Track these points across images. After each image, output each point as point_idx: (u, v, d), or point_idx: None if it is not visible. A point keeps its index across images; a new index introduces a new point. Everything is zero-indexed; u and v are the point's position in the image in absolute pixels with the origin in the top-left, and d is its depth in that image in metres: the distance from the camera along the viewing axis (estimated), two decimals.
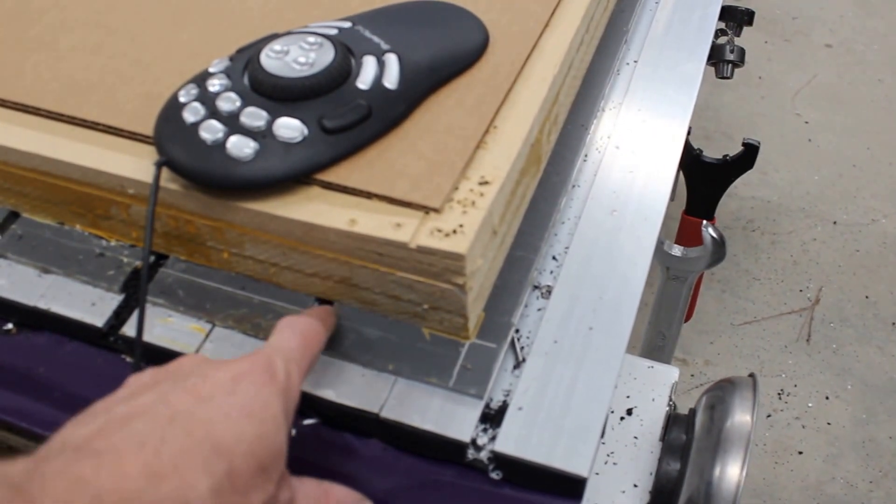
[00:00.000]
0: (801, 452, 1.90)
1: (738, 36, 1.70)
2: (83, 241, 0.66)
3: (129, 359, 0.62)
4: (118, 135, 0.62)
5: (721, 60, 1.61)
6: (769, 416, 1.95)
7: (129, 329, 0.62)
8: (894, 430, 1.94)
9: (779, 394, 2.00)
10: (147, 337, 0.61)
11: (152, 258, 0.65)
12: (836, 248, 2.31)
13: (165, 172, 0.58)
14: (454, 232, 0.54)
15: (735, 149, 1.58)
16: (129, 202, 0.62)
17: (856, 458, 1.89)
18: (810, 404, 1.99)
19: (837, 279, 2.24)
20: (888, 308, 2.17)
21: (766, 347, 2.10)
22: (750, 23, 1.71)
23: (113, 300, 0.63)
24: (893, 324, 2.13)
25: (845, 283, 2.23)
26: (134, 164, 0.61)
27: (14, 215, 0.68)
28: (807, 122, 2.68)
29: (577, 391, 0.58)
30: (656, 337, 1.36)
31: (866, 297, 2.20)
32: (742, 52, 1.63)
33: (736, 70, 1.66)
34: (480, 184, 0.58)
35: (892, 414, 1.96)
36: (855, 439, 1.93)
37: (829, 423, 1.95)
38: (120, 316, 0.63)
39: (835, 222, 2.38)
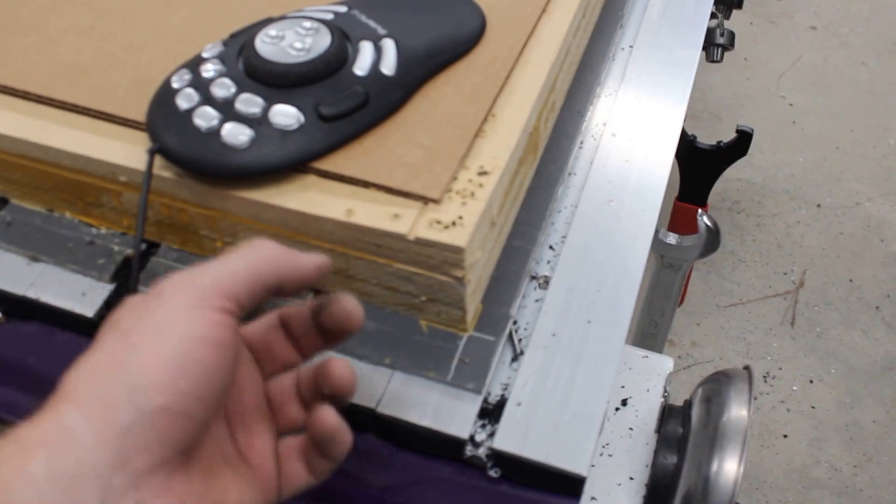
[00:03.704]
0: (785, 436, 1.91)
1: (728, 19, 1.69)
2: (73, 229, 0.65)
3: None
4: (110, 121, 0.61)
5: (711, 44, 1.60)
6: (754, 399, 1.95)
7: None
8: (878, 414, 1.94)
9: (764, 377, 2.01)
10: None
11: (144, 247, 0.64)
12: (820, 231, 2.32)
13: (158, 160, 0.57)
14: (453, 224, 0.54)
15: (723, 129, 1.58)
16: (121, 190, 0.61)
17: (840, 442, 1.90)
18: (795, 388, 1.99)
19: (821, 262, 2.25)
20: (872, 291, 2.17)
21: (752, 330, 2.10)
22: (739, 6, 1.70)
23: (103, 289, 0.62)
24: (877, 307, 2.14)
25: (829, 267, 2.24)
26: (126, 150, 0.60)
27: (3, 202, 0.67)
28: (791, 105, 2.68)
29: (576, 386, 0.57)
30: (649, 325, 1.36)
31: (850, 280, 2.20)
32: (732, 35, 1.62)
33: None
34: (479, 174, 0.57)
35: (876, 398, 1.97)
36: (839, 423, 1.93)
37: (813, 407, 1.96)
38: (110, 306, 0.62)
39: (819, 205, 2.38)
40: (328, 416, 0.47)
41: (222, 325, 0.43)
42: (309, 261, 0.48)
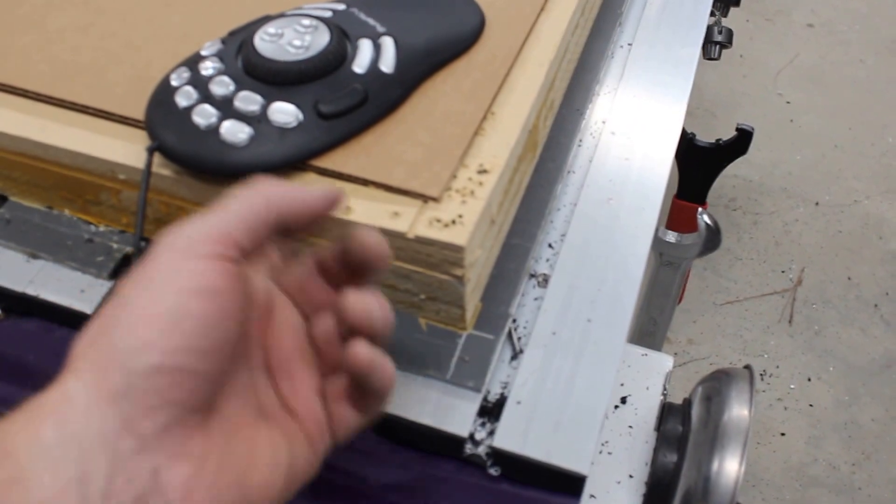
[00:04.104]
0: (783, 434, 1.91)
1: (726, 17, 1.69)
2: (72, 227, 0.65)
3: None
4: (109, 119, 0.61)
5: (709, 42, 1.60)
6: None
7: None
8: (876, 413, 1.95)
9: (761, 375, 2.01)
10: None
11: (143, 244, 0.64)
12: (818, 229, 2.32)
13: (157, 158, 0.57)
14: (453, 222, 0.54)
15: (719, 127, 1.58)
16: (120, 188, 0.61)
17: (838, 440, 1.90)
18: (792, 386, 1.99)
19: (819, 260, 2.25)
20: (870, 289, 2.17)
21: (749, 328, 2.10)
22: (737, 3, 1.70)
23: (102, 287, 0.62)
24: (875, 305, 2.14)
25: (827, 265, 2.24)
26: (125, 148, 0.59)
27: (2, 199, 0.67)
28: (788, 102, 2.68)
29: (576, 385, 0.57)
30: (648, 323, 1.36)
31: (848, 278, 2.20)
32: (730, 33, 1.62)
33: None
34: (479, 172, 0.57)
35: (874, 396, 1.97)
36: (837, 421, 1.93)
37: (811, 405, 1.96)
38: None
39: (817, 203, 2.38)
40: (361, 350, 0.45)
41: (216, 272, 0.42)
42: (314, 192, 0.47)
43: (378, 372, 0.46)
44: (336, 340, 0.48)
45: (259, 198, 0.45)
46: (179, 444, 0.40)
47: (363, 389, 0.47)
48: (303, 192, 0.46)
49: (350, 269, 0.48)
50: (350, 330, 0.47)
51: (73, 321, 0.62)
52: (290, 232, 0.47)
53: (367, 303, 0.46)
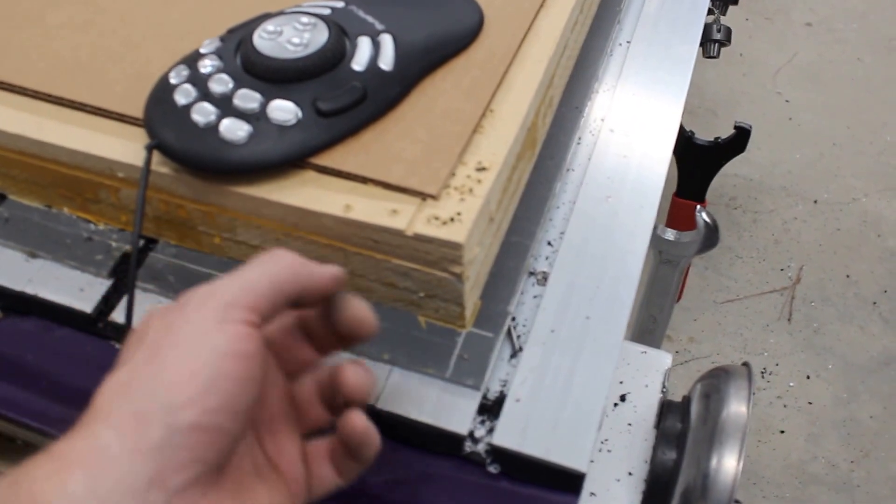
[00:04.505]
0: (782, 431, 1.91)
1: (724, 15, 1.70)
2: (71, 225, 0.65)
3: (118, 345, 0.61)
4: (107, 117, 0.61)
5: (708, 40, 1.60)
6: (753, 395, 1.95)
7: (118, 315, 0.61)
8: (875, 410, 1.95)
9: (761, 373, 2.00)
10: (136, 323, 0.59)
11: (142, 242, 0.64)
12: (817, 227, 2.32)
13: (156, 156, 0.57)
14: (452, 220, 0.54)
15: (719, 126, 1.58)
16: (119, 186, 0.61)
17: (837, 438, 1.90)
18: (792, 383, 1.99)
19: (818, 258, 2.24)
20: (869, 287, 2.17)
21: (749, 326, 2.10)
22: (735, 2, 1.70)
23: (101, 285, 0.62)
24: (874, 303, 2.14)
25: (826, 262, 2.24)
26: (124, 146, 0.59)
27: (1, 197, 0.67)
28: (787, 101, 2.68)
29: (575, 383, 0.57)
30: (647, 320, 1.36)
31: (847, 276, 2.20)
32: (729, 31, 1.62)
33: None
34: (478, 170, 0.57)
35: (873, 393, 1.97)
36: (836, 419, 1.93)
37: (810, 403, 1.96)
38: (109, 302, 0.62)
39: (815, 201, 2.38)
40: (358, 420, 0.47)
41: (248, 338, 0.43)
42: (326, 272, 0.48)
43: (370, 440, 0.48)
44: (316, 401, 0.51)
45: (287, 273, 0.46)
46: (197, 500, 0.41)
47: (349, 455, 0.48)
48: (318, 271, 0.48)
49: (335, 333, 0.50)
50: (335, 394, 0.49)
51: (72, 320, 0.62)
52: (297, 305, 0.48)
53: (363, 377, 0.49)
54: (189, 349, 0.42)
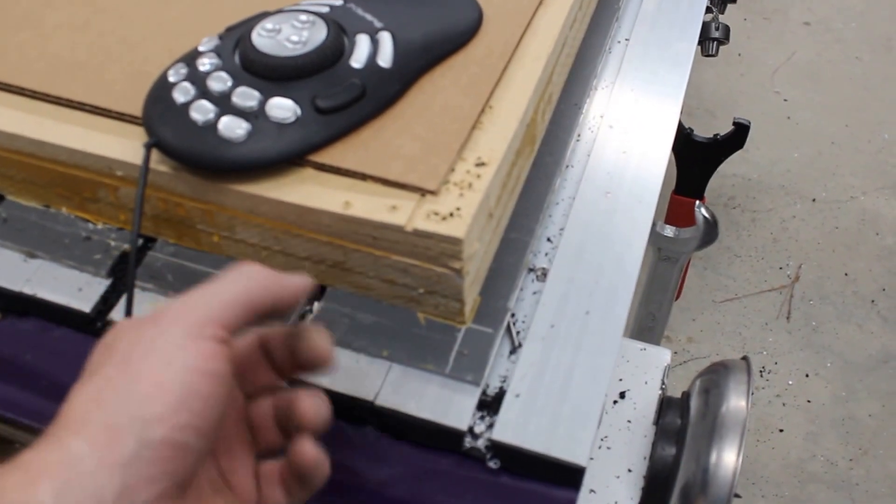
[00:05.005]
0: (781, 430, 1.91)
1: (723, 13, 1.70)
2: (69, 225, 0.65)
3: None
4: (106, 115, 0.61)
5: (707, 38, 1.60)
6: (752, 391, 1.95)
7: (116, 314, 0.61)
8: (874, 408, 1.94)
9: (760, 371, 2.00)
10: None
11: (140, 241, 0.64)
12: (816, 226, 2.32)
13: (155, 154, 0.57)
14: (451, 215, 0.54)
15: (718, 125, 1.58)
16: (118, 184, 0.61)
17: (836, 436, 1.90)
18: (790, 382, 1.99)
19: (817, 257, 2.24)
20: (867, 285, 2.17)
21: (748, 325, 2.10)
22: (734, 0, 1.70)
23: (100, 285, 0.62)
24: (872, 301, 2.14)
25: (825, 261, 2.24)
26: (122, 145, 0.59)
27: None
28: (786, 100, 2.68)
29: (575, 378, 0.57)
30: (646, 318, 1.36)
31: (845, 274, 2.20)
32: (727, 29, 1.62)
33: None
34: (477, 165, 0.57)
35: (872, 392, 1.97)
36: (835, 417, 1.93)
37: (808, 401, 1.96)
38: (107, 301, 0.62)
39: (814, 200, 2.38)
40: (307, 449, 0.47)
41: (219, 356, 0.43)
42: (296, 283, 0.48)
43: (319, 468, 0.47)
44: (271, 424, 0.51)
45: (258, 288, 0.46)
46: None
47: (299, 480, 0.48)
48: (288, 283, 0.48)
49: (295, 360, 0.50)
50: (290, 419, 0.49)
51: (70, 320, 0.62)
52: (268, 319, 0.48)
53: (318, 406, 0.49)
54: (162, 363, 0.42)
